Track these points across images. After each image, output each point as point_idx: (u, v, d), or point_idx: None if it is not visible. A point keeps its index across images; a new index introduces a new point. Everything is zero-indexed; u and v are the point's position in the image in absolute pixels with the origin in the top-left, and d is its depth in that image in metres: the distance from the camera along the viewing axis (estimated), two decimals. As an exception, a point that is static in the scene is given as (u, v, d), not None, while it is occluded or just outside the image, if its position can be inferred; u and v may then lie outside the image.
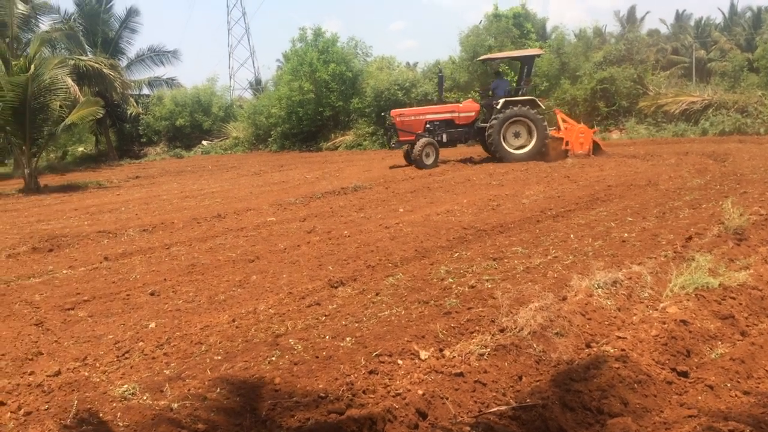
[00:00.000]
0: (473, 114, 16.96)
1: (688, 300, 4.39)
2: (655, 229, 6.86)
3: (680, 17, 63.94)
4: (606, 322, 4.24)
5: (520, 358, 3.69)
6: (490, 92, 17.08)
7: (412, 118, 16.66)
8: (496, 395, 3.35)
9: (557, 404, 3.18)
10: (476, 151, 18.82)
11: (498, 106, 15.69)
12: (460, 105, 17.41)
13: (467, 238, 7.16)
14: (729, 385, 3.41)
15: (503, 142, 15.71)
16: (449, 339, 4.08)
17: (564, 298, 4.58)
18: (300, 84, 28.59)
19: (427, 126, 16.59)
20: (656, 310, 4.39)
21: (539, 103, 16.20)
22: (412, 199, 10.76)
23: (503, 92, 16.55)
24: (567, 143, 15.47)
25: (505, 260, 6.05)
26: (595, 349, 3.82)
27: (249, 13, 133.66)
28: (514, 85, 17.40)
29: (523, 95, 16.38)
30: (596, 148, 15.68)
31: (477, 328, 4.21)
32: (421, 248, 6.77)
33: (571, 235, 6.91)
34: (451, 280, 5.50)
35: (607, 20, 77.27)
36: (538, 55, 18.44)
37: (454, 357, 3.72)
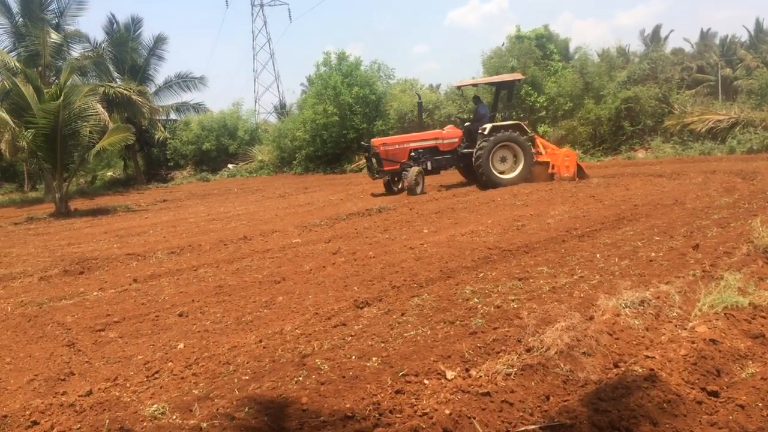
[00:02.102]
0: (456, 140, 16.77)
1: (717, 319, 4.33)
2: (683, 248, 6.78)
3: (705, 36, 63.66)
4: (634, 342, 4.20)
5: (547, 377, 3.67)
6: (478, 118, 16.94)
7: (396, 146, 16.42)
8: (524, 415, 3.33)
9: (586, 424, 3.15)
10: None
11: (485, 132, 15.55)
12: (443, 132, 17.18)
13: (492, 258, 7.15)
14: (761, 404, 3.35)
15: (491, 167, 15.63)
16: (475, 359, 4.08)
17: (591, 318, 4.55)
18: (324, 107, 28.92)
19: (412, 154, 16.35)
20: (685, 329, 4.34)
21: (525, 127, 16.14)
22: (437, 220, 10.77)
23: (488, 118, 16.50)
24: (553, 167, 15.50)
25: (531, 280, 6.03)
26: (623, 368, 3.78)
27: (274, 38, 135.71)
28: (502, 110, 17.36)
29: (504, 120, 16.35)
30: (580, 171, 15.65)
31: (503, 347, 4.19)
32: (446, 268, 6.77)
33: (597, 255, 6.86)
34: (476, 300, 5.49)
35: (630, 39, 76.89)
36: (519, 80, 18.25)
37: (481, 377, 3.72)
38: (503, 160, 15.87)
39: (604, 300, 4.85)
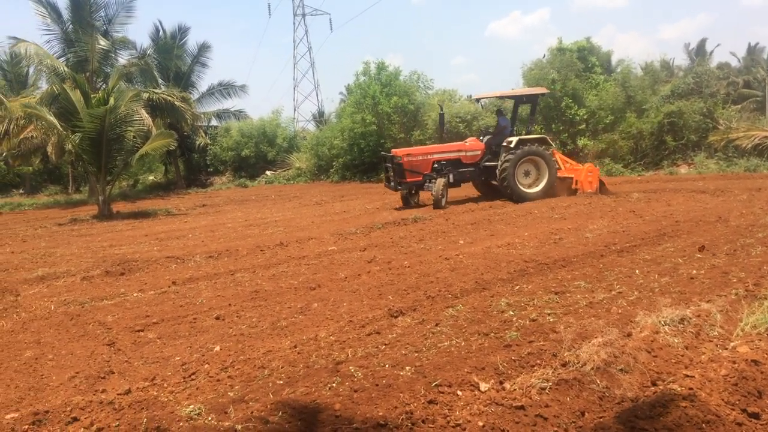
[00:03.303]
0: (479, 153, 16.38)
1: (760, 340, 4.22)
2: (726, 266, 6.64)
3: (752, 50, 62.08)
4: (673, 360, 4.12)
5: (582, 393, 3.63)
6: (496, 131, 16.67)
7: (420, 158, 15.97)
8: (558, 430, 3.29)
9: (621, 442, 3.11)
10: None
11: (511, 145, 15.26)
12: (466, 144, 16.76)
13: (528, 271, 7.09)
14: (805, 429, 3.26)
15: (516, 181, 15.36)
16: (510, 372, 4.05)
17: (629, 335, 4.48)
18: (362, 116, 29.05)
19: (435, 166, 15.92)
20: (726, 349, 4.25)
21: (550, 141, 15.90)
22: (473, 231, 10.72)
23: (510, 131, 16.25)
24: (576, 182, 15.30)
25: (568, 294, 5.96)
26: (661, 387, 3.72)
27: (314, 47, 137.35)
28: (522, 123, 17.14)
29: (529, 133, 16.14)
30: (602, 187, 15.40)
31: (538, 361, 4.16)
32: (481, 280, 6.74)
33: (637, 271, 6.75)
34: (511, 312, 5.45)
35: (674, 53, 75.54)
36: (542, 94, 17.90)
37: (515, 390, 3.69)
38: (527, 174, 15.66)
39: (642, 317, 4.79)
